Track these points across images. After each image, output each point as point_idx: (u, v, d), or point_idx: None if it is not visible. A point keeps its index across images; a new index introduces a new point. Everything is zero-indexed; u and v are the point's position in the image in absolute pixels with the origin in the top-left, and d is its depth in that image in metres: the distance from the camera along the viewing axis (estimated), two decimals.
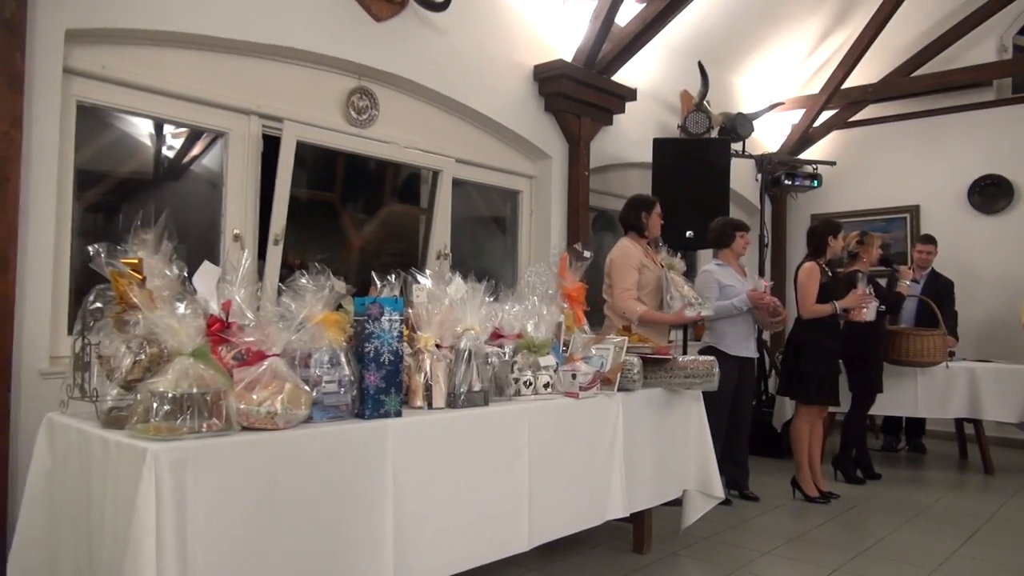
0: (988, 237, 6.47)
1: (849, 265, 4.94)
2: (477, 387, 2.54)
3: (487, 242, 5.19)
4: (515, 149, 4.98)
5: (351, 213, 4.53)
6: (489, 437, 2.49)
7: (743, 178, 6.67)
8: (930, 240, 5.86)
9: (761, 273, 6.23)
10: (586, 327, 3.53)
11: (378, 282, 2.43)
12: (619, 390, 3.03)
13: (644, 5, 4.91)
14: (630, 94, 5.29)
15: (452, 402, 2.48)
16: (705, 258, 6.28)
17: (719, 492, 3.42)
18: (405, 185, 4.67)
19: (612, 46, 4.99)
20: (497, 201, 5.13)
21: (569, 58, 4.99)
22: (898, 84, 6.77)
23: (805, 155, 7.20)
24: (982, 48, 6.66)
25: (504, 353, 2.75)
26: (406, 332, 2.46)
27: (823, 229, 4.46)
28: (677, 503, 3.45)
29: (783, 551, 3.50)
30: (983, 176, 6.53)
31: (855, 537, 3.72)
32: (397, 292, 2.43)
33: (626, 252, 3.96)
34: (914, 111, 6.95)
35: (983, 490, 4.84)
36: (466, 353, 2.54)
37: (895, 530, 3.86)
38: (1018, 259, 6.02)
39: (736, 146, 6.13)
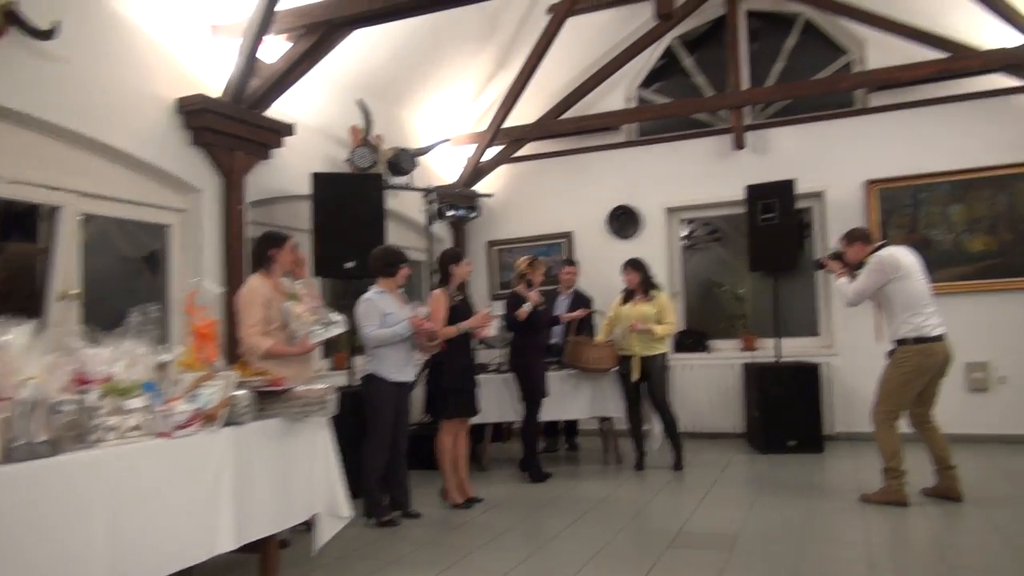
0: (623, 258, 7.53)
1: (517, 283, 5.55)
2: (43, 438, 2.46)
3: (134, 279, 4.95)
4: (159, 183, 4.82)
5: None
6: (53, 489, 2.42)
7: (420, 208, 7.09)
8: (571, 263, 6.75)
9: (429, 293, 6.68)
10: (220, 362, 3.55)
11: None
12: (228, 424, 3.10)
13: (292, 44, 5.07)
14: (286, 129, 5.40)
15: (9, 456, 2.38)
16: None
17: (346, 512, 3.61)
18: (24, 221, 4.31)
19: (262, 82, 5.07)
20: (144, 237, 4.93)
21: (220, 92, 4.98)
22: (549, 125, 7.68)
23: (479, 187, 7.85)
24: (613, 97, 7.82)
25: (85, 399, 2.70)
26: None
27: (445, 259, 4.88)
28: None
29: (411, 557, 3.81)
30: (618, 206, 7.65)
31: (483, 535, 4.14)
32: None
33: (252, 289, 4.00)
34: (564, 149, 7.95)
35: (610, 478, 5.62)
36: (29, 404, 2.46)
37: (520, 522, 4.38)
38: None
39: (407, 179, 6.54)
